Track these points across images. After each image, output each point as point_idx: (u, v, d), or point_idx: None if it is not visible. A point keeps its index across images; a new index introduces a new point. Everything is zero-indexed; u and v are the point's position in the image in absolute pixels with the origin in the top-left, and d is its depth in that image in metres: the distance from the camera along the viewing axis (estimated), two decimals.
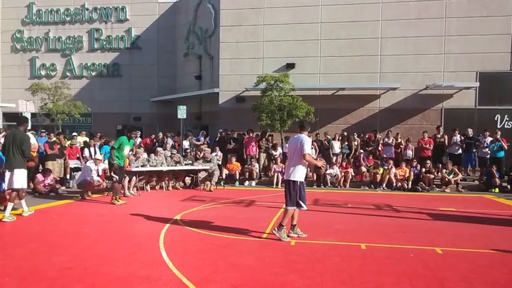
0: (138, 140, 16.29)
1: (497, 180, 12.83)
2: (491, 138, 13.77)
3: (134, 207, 8.94)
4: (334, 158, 14.49)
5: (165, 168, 12.05)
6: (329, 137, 15.22)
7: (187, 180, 12.96)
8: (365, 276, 4.46)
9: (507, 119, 16.17)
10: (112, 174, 9.38)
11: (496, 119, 16.22)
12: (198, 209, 8.92)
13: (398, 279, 4.39)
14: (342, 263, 4.94)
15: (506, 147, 13.56)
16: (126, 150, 9.75)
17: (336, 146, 14.79)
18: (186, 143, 15.74)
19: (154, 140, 16.37)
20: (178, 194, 11.43)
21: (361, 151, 14.62)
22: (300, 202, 6.08)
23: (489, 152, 13.70)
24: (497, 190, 12.64)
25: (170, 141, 15.34)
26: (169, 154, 12.93)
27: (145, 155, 12.34)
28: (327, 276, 4.46)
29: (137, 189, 11.32)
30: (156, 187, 12.23)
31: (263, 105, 14.80)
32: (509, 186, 12.73)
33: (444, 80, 16.19)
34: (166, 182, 12.20)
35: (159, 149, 12.77)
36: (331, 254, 5.34)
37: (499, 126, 15.70)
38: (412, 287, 4.17)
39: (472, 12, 16.17)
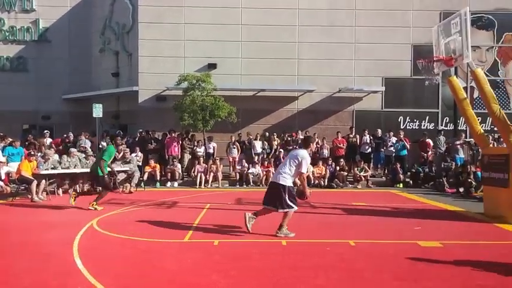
0: (48, 140, 15.12)
1: (401, 176, 14.10)
2: (396, 138, 15.10)
3: (44, 213, 8.30)
4: (256, 157, 14.78)
5: (79, 170, 11.33)
6: (251, 137, 15.50)
7: None
8: (285, 272, 4.65)
9: (409, 120, 17.88)
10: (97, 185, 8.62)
11: (399, 120, 17.86)
12: (116, 212, 8.55)
13: (315, 272, 4.64)
14: (263, 260, 5.09)
15: (408, 146, 14.96)
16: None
17: (258, 145, 15.10)
18: (103, 143, 14.91)
19: (67, 140, 15.28)
20: (94, 197, 10.80)
21: (281, 150, 15.10)
22: (291, 204, 6.26)
23: (394, 150, 15.01)
24: (401, 185, 13.90)
25: (88, 142, 14.43)
26: (84, 155, 12.19)
27: (56, 157, 11.49)
28: (249, 274, 4.57)
29: (47, 194, 10.48)
30: (70, 191, 11.43)
31: (185, 105, 14.62)
32: (411, 182, 14.08)
33: (355, 84, 17.41)
34: (81, 184, 11.47)
35: (72, 149, 11.97)
36: (253, 251, 5.47)
37: (402, 127, 17.30)
38: (327, 279, 4.44)
39: (378, 22, 17.58)
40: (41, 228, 6.93)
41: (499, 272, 4.70)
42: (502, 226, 7.19)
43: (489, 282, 4.37)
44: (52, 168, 10.90)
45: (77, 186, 11.37)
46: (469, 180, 12.01)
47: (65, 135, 15.62)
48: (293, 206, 6.31)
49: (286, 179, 6.29)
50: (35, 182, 9.96)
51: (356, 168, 14.28)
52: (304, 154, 6.30)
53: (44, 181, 10.33)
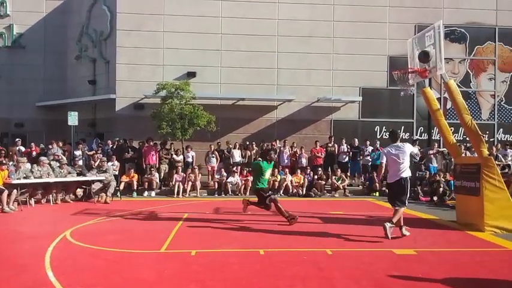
0: (21, 148, 14.72)
1: (377, 185, 14.32)
2: (372, 147, 15.35)
3: (15, 224, 8.04)
4: (235, 166, 14.74)
5: (52, 179, 11.04)
6: (230, 146, 15.47)
7: (79, 192, 12.05)
8: (262, 281, 4.64)
9: (385, 130, 18.23)
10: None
11: (376, 130, 18.19)
12: (91, 222, 8.36)
13: (293, 281, 4.64)
14: (241, 270, 5.06)
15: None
16: (268, 173, 8.67)
17: (236, 154, 15.08)
18: (77, 152, 14.63)
19: (34, 151, 14.82)
20: (69, 207, 10.56)
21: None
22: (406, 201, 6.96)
23: (370, 159, 15.25)
24: (377, 194, 14.11)
25: (59, 150, 14.06)
26: (58, 164, 11.90)
27: (28, 166, 11.18)
28: (226, 284, 4.54)
29: (18, 204, 10.15)
30: (42, 201, 11.14)
31: (163, 113, 14.50)
32: (387, 190, 14.27)
33: (333, 93, 17.67)
34: (54, 194, 11.18)
35: (42, 158, 11.65)
36: (231, 261, 5.43)
37: (378, 137, 17.61)
38: (304, 287, 4.46)
39: (356, 34, 17.97)
40: (12, 240, 6.71)
41: (471, 278, 4.81)
42: (473, 234, 7.37)
43: None
44: (24, 178, 10.59)
45: (50, 196, 11.08)
46: (442, 188, 12.29)
47: (30, 146, 15.13)
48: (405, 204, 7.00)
49: (406, 171, 7.02)
50: (5, 192, 9.65)
51: (334, 177, 14.42)
52: (405, 144, 7.24)
53: (15, 191, 9.99)
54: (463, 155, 10.79)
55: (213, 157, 14.84)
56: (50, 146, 14.27)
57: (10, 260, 5.42)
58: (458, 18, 18.42)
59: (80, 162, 13.57)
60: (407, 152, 7.02)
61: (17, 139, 15.56)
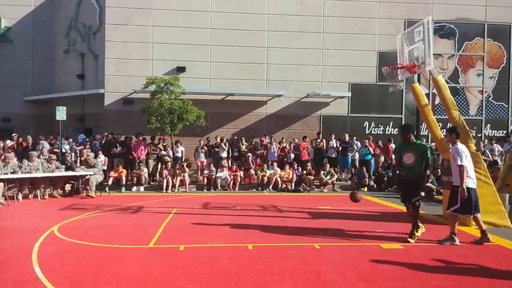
0: (8, 142, 14.54)
1: (367, 180, 14.43)
2: (361, 143, 15.44)
3: (2, 219, 7.95)
4: (224, 161, 14.74)
5: (40, 174, 10.93)
6: (219, 141, 15.41)
7: (68, 187, 11.95)
8: (250, 276, 4.66)
9: (374, 125, 18.36)
10: None
11: (365, 125, 18.30)
12: (79, 218, 8.30)
13: (281, 275, 4.68)
14: (229, 265, 5.08)
15: (373, 152, 15.32)
16: None
17: (225, 150, 15.05)
18: (66, 147, 14.49)
19: (24, 145, 14.69)
20: (56, 202, 10.48)
21: (249, 154, 15.13)
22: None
23: (359, 155, 15.35)
24: (365, 189, 14.21)
25: (46, 145, 13.94)
26: (47, 158, 11.78)
27: (15, 160, 11.04)
28: (214, 279, 4.55)
29: (5, 199, 10.03)
30: (30, 196, 11.03)
31: (152, 108, 14.40)
32: (375, 185, 14.44)
33: (322, 89, 17.71)
34: (42, 189, 11.07)
35: (32, 152, 11.54)
36: (219, 256, 5.44)
37: (367, 132, 17.74)
38: (292, 282, 4.49)
39: (346, 29, 18.01)
40: None
41: (457, 272, 4.90)
42: (460, 228, 7.46)
43: (447, 282, 4.54)
44: (12, 173, 10.46)
45: (38, 191, 10.98)
46: (429, 183, 12.43)
47: (18, 141, 15.04)
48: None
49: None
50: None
51: (322, 172, 14.50)
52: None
53: (1, 185, 9.86)
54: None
55: (202, 152, 14.81)
56: (39, 141, 14.13)
57: None
58: (448, 14, 18.54)
59: (69, 158, 13.47)
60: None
61: (14, 134, 15.53)
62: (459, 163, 6.28)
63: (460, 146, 6.52)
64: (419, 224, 6.78)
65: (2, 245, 6.01)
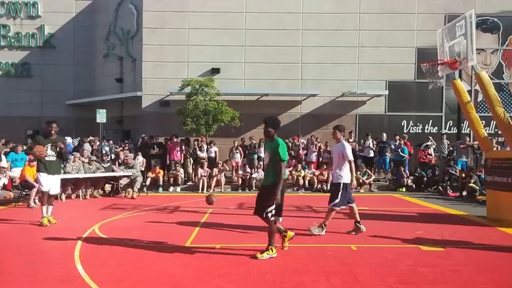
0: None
1: (405, 180, 14.02)
2: (398, 142, 15.00)
3: None
4: (260, 162, 14.74)
5: (81, 175, 11.36)
6: (254, 142, 15.47)
7: (107, 187, 12.36)
8: (286, 276, 4.63)
9: (412, 124, 17.81)
10: None
11: (403, 124, 17.79)
12: (118, 217, 8.56)
13: (317, 276, 4.62)
14: (264, 265, 5.06)
15: (408, 151, 14.83)
16: None
17: (262, 150, 15.07)
18: (106, 149, 15.00)
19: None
20: (97, 202, 10.86)
21: None
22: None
23: (396, 154, 14.92)
24: (404, 189, 13.82)
25: (87, 146, 14.48)
26: (87, 160, 12.24)
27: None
28: (250, 279, 4.55)
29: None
30: (72, 196, 11.49)
31: (188, 110, 14.65)
32: (414, 186, 14.00)
33: (358, 87, 17.37)
34: (84, 190, 11.51)
35: (75, 153, 12.03)
36: None
37: (405, 131, 17.22)
38: (328, 283, 4.42)
39: (383, 25, 17.59)
40: (42, 234, 6.93)
41: (500, 276, 4.65)
42: (504, 230, 7.12)
43: (490, 286, 4.32)
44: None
45: (80, 191, 11.40)
46: (472, 184, 11.92)
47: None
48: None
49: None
50: (36, 188, 9.97)
51: (358, 173, 14.20)
52: None
53: (35, 189, 10.23)
54: (494, 149, 10.41)
55: (237, 153, 14.91)
56: (82, 143, 14.72)
57: (40, 254, 5.61)
58: (491, 7, 17.71)
59: (109, 159, 13.93)
60: None
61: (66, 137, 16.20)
62: (350, 159, 6.69)
63: (346, 143, 6.92)
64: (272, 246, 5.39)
65: (46, 244, 6.28)
